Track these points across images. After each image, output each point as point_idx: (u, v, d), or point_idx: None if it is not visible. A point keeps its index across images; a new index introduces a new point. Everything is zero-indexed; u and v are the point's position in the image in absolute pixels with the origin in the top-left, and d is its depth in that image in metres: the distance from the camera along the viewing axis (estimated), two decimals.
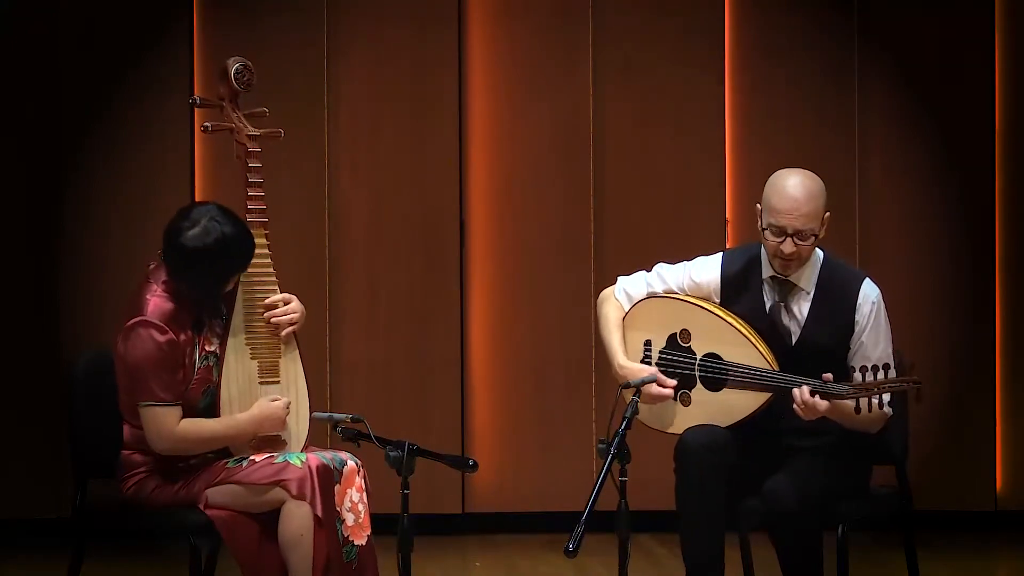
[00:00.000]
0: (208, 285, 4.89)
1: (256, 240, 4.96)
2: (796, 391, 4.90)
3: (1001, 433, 8.03)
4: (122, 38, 7.84)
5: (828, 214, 5.08)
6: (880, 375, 4.85)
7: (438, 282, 7.95)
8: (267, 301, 4.99)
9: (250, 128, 5.05)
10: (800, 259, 5.06)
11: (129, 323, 4.85)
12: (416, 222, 7.96)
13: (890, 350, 5.09)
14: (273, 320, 4.99)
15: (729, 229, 7.93)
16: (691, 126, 8.00)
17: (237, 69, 5.06)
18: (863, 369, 4.88)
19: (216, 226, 4.84)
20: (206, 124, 5.05)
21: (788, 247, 5.02)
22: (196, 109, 7.81)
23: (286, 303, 5.02)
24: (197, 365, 4.89)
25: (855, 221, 7.98)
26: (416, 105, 7.96)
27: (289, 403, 4.96)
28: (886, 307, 5.14)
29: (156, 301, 4.87)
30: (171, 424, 4.83)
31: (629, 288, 5.28)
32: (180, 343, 4.86)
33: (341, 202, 7.91)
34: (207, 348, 4.93)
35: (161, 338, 4.82)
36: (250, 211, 4.99)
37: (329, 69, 7.88)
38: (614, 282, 5.38)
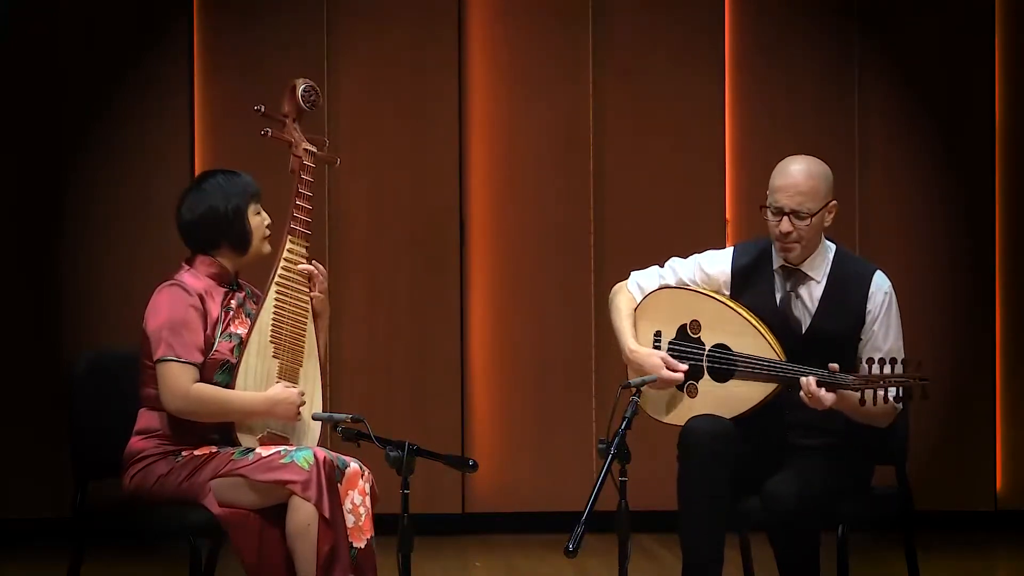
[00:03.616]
0: (236, 228, 5.01)
1: (298, 248, 5.08)
2: (803, 380, 4.92)
3: (1001, 433, 8.03)
4: (122, 38, 7.85)
5: (834, 202, 5.12)
6: (887, 369, 4.86)
7: (438, 282, 7.96)
8: (300, 266, 5.10)
9: (307, 143, 5.16)
10: (800, 242, 5.09)
11: (159, 287, 4.98)
12: (416, 222, 7.97)
13: (900, 344, 5.09)
14: (307, 272, 5.09)
15: (729, 229, 7.93)
16: (691, 126, 8.00)
17: (305, 88, 5.18)
18: (870, 361, 4.89)
19: (208, 180, 5.04)
20: (266, 129, 5.14)
21: (785, 226, 5.07)
22: (196, 111, 7.84)
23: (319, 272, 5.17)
24: (219, 339, 4.94)
25: (855, 221, 7.98)
26: (416, 105, 7.96)
27: (304, 394, 4.99)
28: (898, 301, 5.16)
29: (188, 276, 5.01)
30: (186, 382, 4.87)
31: (642, 281, 5.32)
32: (206, 311, 4.95)
33: (341, 202, 7.92)
34: (232, 329, 4.98)
35: (188, 299, 4.93)
36: (295, 219, 5.09)
37: (329, 69, 7.88)
38: (614, 282, 5.40)
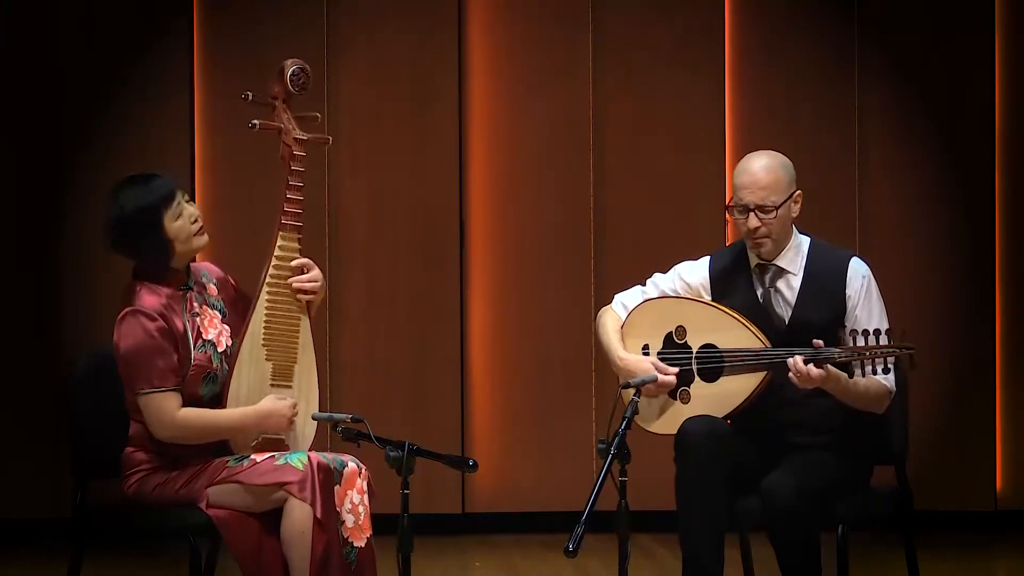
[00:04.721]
0: (153, 237, 4.88)
1: (290, 243, 5.00)
2: (791, 361, 4.93)
3: (1001, 433, 8.03)
4: (122, 38, 7.84)
5: (798, 192, 5.16)
6: (872, 340, 4.87)
7: (438, 282, 7.95)
8: (294, 263, 4.99)
9: (298, 131, 5.04)
10: (770, 236, 5.14)
11: (120, 315, 4.89)
12: (416, 222, 7.96)
13: (886, 324, 5.10)
14: (296, 285, 4.99)
15: (729, 229, 7.92)
16: (691, 125, 8.00)
17: (294, 71, 5.05)
18: (854, 333, 4.92)
19: (118, 192, 4.94)
20: (254, 122, 5.01)
21: (752, 222, 5.12)
22: (196, 111, 7.84)
23: (308, 269, 5.04)
24: (194, 352, 4.90)
25: (855, 220, 7.98)
26: (416, 105, 7.96)
27: (296, 404, 4.96)
28: (878, 285, 5.17)
29: (144, 293, 4.90)
30: (171, 410, 4.84)
31: (625, 300, 5.37)
32: (172, 330, 4.87)
33: (341, 202, 7.91)
34: (205, 336, 4.94)
35: (151, 325, 4.85)
36: (286, 213, 5.00)
37: (329, 69, 7.88)
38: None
